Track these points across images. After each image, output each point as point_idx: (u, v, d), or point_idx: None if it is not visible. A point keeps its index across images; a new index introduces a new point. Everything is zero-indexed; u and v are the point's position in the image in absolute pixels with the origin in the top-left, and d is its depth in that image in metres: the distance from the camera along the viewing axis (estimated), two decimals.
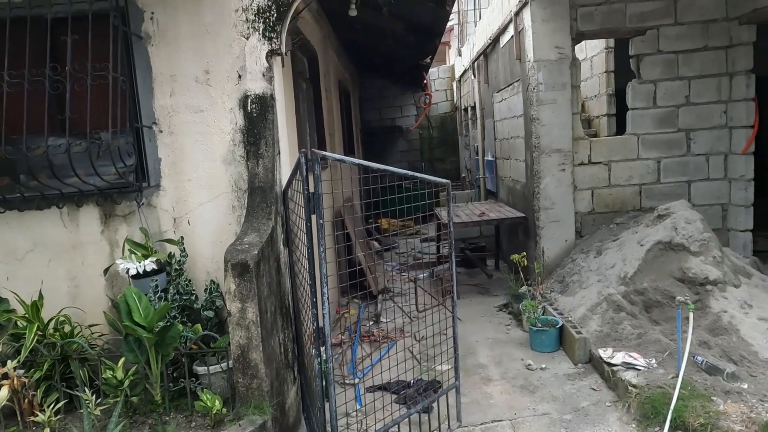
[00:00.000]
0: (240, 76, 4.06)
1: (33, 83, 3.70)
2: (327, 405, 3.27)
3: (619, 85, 7.66)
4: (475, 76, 10.87)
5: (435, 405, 4.24)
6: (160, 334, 3.29)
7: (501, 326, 6.32)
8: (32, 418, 3.36)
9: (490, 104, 9.63)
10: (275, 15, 4.01)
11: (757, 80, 6.47)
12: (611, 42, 7.79)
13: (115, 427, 2.94)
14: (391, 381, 4.66)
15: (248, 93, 4.06)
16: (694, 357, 4.37)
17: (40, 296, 3.78)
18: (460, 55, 13.17)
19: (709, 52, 6.52)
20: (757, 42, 6.40)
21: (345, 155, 9.77)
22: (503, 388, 4.82)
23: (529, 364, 5.19)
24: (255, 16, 4.02)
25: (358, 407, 4.53)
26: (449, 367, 4.88)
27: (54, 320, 3.78)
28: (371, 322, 6.70)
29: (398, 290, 7.87)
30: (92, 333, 3.91)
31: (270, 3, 4.00)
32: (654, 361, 4.52)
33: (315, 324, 3.10)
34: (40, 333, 3.59)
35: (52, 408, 3.33)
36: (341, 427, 3.85)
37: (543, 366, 5.14)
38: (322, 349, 3.10)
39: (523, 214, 7.36)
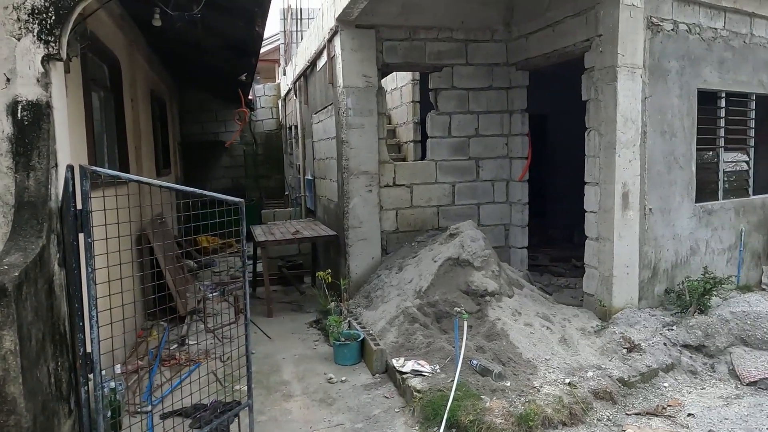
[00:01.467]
0: (9, 80, 3.67)
1: None
2: None
3: (423, 114, 8.37)
4: (296, 96, 11.07)
5: (233, 425, 4.19)
6: None
7: (310, 342, 6.45)
8: None
9: (310, 125, 9.87)
10: (54, 17, 3.71)
11: (531, 118, 7.54)
12: (417, 75, 8.51)
13: None
14: (189, 406, 4.51)
15: (18, 99, 3.68)
16: (470, 361, 4.90)
17: None
18: (284, 75, 13.31)
19: (493, 91, 7.46)
20: (530, 85, 7.47)
21: (158, 169, 9.26)
22: (303, 402, 4.92)
23: (331, 378, 5.37)
24: (29, 16, 3.68)
25: None
26: (252, 386, 4.87)
27: None
28: (175, 345, 6.40)
29: (212, 311, 7.62)
30: None
31: (48, 4, 3.70)
32: (438, 367, 4.97)
33: (83, 349, 2.90)
34: None
35: None
36: None
37: (343, 378, 5.35)
38: (90, 376, 2.91)
39: (334, 233, 7.63)
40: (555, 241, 10.28)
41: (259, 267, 8.51)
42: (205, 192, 3.55)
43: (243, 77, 9.03)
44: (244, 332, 3.99)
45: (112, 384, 4.59)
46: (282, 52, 14.03)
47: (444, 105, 7.34)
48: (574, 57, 6.24)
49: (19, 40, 3.69)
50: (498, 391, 4.58)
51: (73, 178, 2.81)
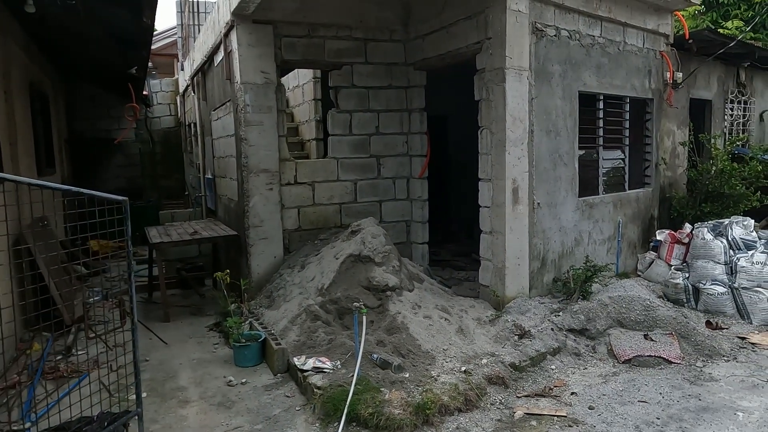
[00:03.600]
0: None
1: None
2: None
3: (326, 112, 8.35)
4: (195, 93, 10.66)
5: None
6: None
7: (209, 346, 6.25)
8: None
9: (209, 122, 9.55)
10: None
11: (432, 119, 7.76)
12: (318, 73, 8.48)
13: None
14: (72, 419, 4.21)
15: None
16: (371, 355, 4.96)
17: None
18: (183, 70, 12.78)
19: (393, 90, 7.59)
20: (431, 87, 7.69)
21: (39, 168, 8.55)
22: (200, 408, 4.76)
23: (230, 381, 5.24)
24: None
25: None
26: (146, 394, 4.65)
27: None
28: (60, 357, 5.95)
29: (102, 318, 7.16)
30: None
31: None
32: (339, 363, 4.99)
33: None
34: None
35: None
36: None
37: (244, 380, 5.24)
38: None
39: (235, 233, 7.44)
40: (456, 236, 10.64)
41: (156, 270, 8.10)
42: (82, 190, 3.33)
43: (134, 71, 8.56)
44: (131, 337, 3.79)
45: None
46: (180, 46, 13.44)
47: (344, 103, 7.38)
48: (467, 58, 6.49)
49: None
50: (397, 382, 4.68)
51: None
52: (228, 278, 5.86)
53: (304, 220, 7.25)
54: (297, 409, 4.66)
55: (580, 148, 6.95)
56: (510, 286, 6.16)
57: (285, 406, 4.72)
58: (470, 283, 7.86)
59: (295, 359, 5.14)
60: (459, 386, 4.67)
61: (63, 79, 12.18)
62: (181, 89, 13.47)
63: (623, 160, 7.89)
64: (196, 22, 11.24)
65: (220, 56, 7.89)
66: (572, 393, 4.88)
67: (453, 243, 10.31)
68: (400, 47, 7.58)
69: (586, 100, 7.05)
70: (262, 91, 6.78)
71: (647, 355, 5.46)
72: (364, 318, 4.80)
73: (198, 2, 11.61)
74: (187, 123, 13.17)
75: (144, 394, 4.66)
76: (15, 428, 4.34)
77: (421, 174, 7.66)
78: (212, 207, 9.93)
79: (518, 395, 4.84)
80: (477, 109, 6.34)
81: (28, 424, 4.40)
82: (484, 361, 5.14)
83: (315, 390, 4.61)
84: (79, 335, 6.49)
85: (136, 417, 3.87)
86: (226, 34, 7.11)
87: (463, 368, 4.97)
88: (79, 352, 6.02)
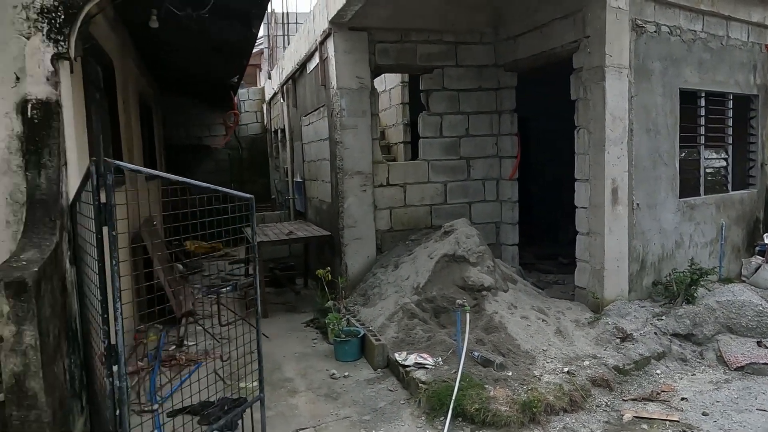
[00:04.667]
0: (18, 78, 3.70)
1: None
2: None
3: (413, 115, 8.51)
4: (284, 100, 11.11)
5: (240, 421, 4.24)
6: None
7: (308, 340, 6.50)
8: None
9: (299, 127, 9.93)
10: (63, 16, 3.75)
11: (526, 119, 7.74)
12: (406, 77, 8.65)
13: None
14: (195, 403, 4.53)
15: (29, 97, 3.71)
16: (471, 353, 5.02)
17: None
18: (270, 78, 13.34)
19: (482, 92, 7.63)
20: (519, 87, 7.67)
21: None
22: (308, 398, 4.98)
23: (333, 374, 5.44)
24: (38, 15, 3.71)
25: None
26: (255, 383, 4.91)
27: None
28: (173, 347, 6.39)
29: (205, 313, 7.61)
30: None
31: (57, 3, 3.73)
32: (440, 359, 5.08)
33: (107, 341, 2.94)
34: None
35: None
36: None
37: (346, 374, 5.43)
38: (115, 368, 2.95)
39: (328, 233, 7.70)
40: (539, 239, 10.49)
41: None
42: (218, 188, 3.61)
43: (234, 80, 9.05)
44: (255, 327, 4.04)
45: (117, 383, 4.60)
46: (266, 56, 14.05)
47: (435, 106, 7.49)
48: (562, 58, 6.44)
49: (28, 38, 3.72)
50: (500, 380, 4.71)
51: (97, 173, 2.85)
52: (329, 276, 6.08)
53: (395, 221, 7.40)
54: (401, 402, 4.78)
55: (680, 147, 6.71)
56: (609, 288, 6.03)
57: (389, 399, 4.86)
58: (560, 286, 7.76)
59: (396, 355, 5.27)
60: (563, 386, 4.63)
61: (160, 89, 13.02)
62: (268, 97, 14.06)
63: (726, 159, 7.53)
64: (285, 33, 11.72)
65: (313, 63, 8.21)
66: (682, 398, 4.72)
67: (535, 246, 10.17)
68: (490, 49, 7.60)
69: (687, 98, 6.80)
70: (357, 95, 7.01)
71: (762, 363, 5.20)
72: (467, 316, 4.86)
73: (286, 14, 12.11)
74: (273, 129, 13.73)
75: (254, 383, 4.93)
76: (146, 409, 4.71)
77: (512, 175, 7.64)
78: (301, 209, 10.30)
79: (624, 398, 4.75)
80: (561, 109, 6.27)
81: (155, 406, 4.78)
82: (587, 362, 5.08)
83: (419, 385, 4.72)
84: (188, 328, 6.93)
85: (258, 402, 4.11)
86: (322, 42, 7.40)
87: (565, 369, 4.93)
88: (190, 344, 6.44)
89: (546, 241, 10.41)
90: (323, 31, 7.21)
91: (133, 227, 6.92)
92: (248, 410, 4.24)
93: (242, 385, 4.95)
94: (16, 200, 3.73)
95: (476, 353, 5.02)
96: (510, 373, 4.83)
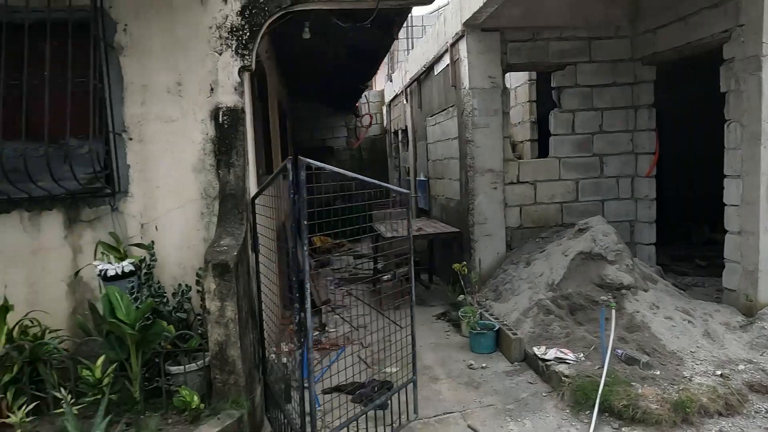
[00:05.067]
0: (212, 89, 4.27)
1: (7, 89, 3.75)
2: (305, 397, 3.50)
3: (540, 113, 8.47)
4: (407, 101, 11.48)
5: (389, 402, 4.56)
6: (143, 332, 3.39)
7: (441, 332, 6.75)
8: (2, 420, 3.33)
9: (423, 127, 10.23)
10: (248, 33, 4.27)
11: (658, 114, 7.46)
12: (533, 75, 8.63)
13: (102, 421, 3.02)
14: (345, 383, 4.92)
15: (220, 105, 4.27)
16: (615, 350, 4.98)
17: (6, 301, 3.74)
18: (390, 81, 13.80)
19: (617, 87, 7.45)
20: (657, 81, 7.39)
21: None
22: (450, 385, 5.22)
23: (471, 364, 5.64)
24: (228, 33, 4.26)
25: (318, 407, 4.74)
26: (397, 369, 5.23)
27: (18, 324, 3.75)
28: (316, 333, 6.91)
29: (339, 302, 8.13)
30: (55, 337, 3.89)
31: (243, 22, 4.26)
32: (582, 355, 5.10)
33: (298, 317, 3.35)
34: (6, 336, 3.56)
35: (24, 410, 3.32)
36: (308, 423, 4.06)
37: (484, 365, 5.60)
38: (303, 341, 3.35)
39: (457, 229, 7.90)
40: (671, 240, 9.96)
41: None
42: (381, 183, 3.94)
43: (367, 84, 9.53)
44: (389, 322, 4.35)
45: (284, 360, 5.13)
46: (386, 59, 14.54)
47: (567, 103, 7.43)
48: (710, 49, 6.15)
49: (220, 54, 4.27)
50: (648, 379, 4.64)
51: (294, 169, 3.26)
52: (465, 270, 6.28)
53: (525, 218, 7.45)
54: (543, 395, 4.87)
55: None
56: (764, 290, 5.67)
57: (530, 391, 4.96)
58: (701, 288, 7.39)
59: (535, 349, 5.36)
60: (717, 389, 4.48)
61: (290, 96, 13.94)
62: (387, 99, 14.54)
63: None
64: (409, 36, 12.09)
65: (442, 65, 8.45)
66: None
67: (668, 246, 9.68)
68: (626, 43, 7.40)
69: None
70: (488, 95, 7.14)
71: None
72: (613, 312, 4.84)
73: (411, 17, 12.46)
74: (393, 130, 14.18)
75: (396, 369, 5.25)
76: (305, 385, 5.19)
77: (649, 172, 7.39)
78: (424, 207, 10.59)
79: None
80: (695, 102, 5.95)
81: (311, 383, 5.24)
82: (741, 367, 4.85)
83: (562, 378, 4.78)
84: (327, 316, 7.47)
85: (412, 384, 4.41)
86: (453, 44, 7.62)
87: (717, 372, 4.75)
88: (330, 330, 6.94)
89: (679, 241, 9.89)
90: (455, 34, 7.42)
91: (279, 221, 7.56)
92: (397, 392, 4.55)
93: (387, 369, 5.32)
94: (209, 195, 4.31)
95: (620, 351, 4.98)
96: (657, 373, 4.75)
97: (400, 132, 13.19)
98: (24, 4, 3.73)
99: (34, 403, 3.49)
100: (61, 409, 3.41)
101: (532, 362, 5.42)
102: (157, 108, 4.23)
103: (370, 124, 12.79)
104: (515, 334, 5.71)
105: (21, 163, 3.65)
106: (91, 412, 3.35)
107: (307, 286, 3.25)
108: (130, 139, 4.23)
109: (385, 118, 15.36)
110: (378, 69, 9.20)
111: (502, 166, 7.27)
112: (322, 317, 7.32)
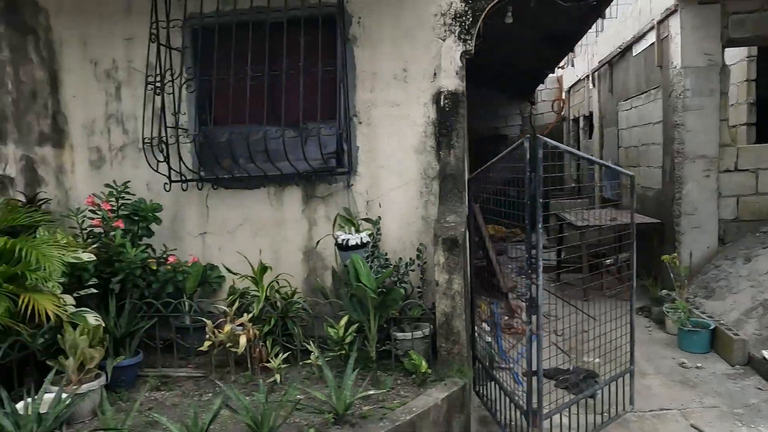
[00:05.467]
0: (435, 74, 4.48)
1: (254, 79, 4.30)
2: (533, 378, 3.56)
3: (758, 94, 7.55)
4: (594, 86, 10.92)
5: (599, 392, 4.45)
6: (382, 296, 3.72)
7: (641, 327, 6.36)
8: (262, 364, 3.87)
9: (614, 113, 9.66)
10: (470, 19, 4.40)
11: None
12: (753, 51, 7.70)
13: (352, 373, 3.38)
14: (549, 368, 4.89)
15: (442, 89, 4.47)
16: None
17: (261, 264, 4.33)
18: (572, 66, 13.22)
19: None
20: None
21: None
22: (661, 382, 4.94)
23: (683, 362, 5.26)
24: (452, 20, 4.43)
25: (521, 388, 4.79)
26: (597, 359, 5.07)
27: (270, 285, 4.31)
28: (505, 318, 6.94)
29: (522, 291, 8.06)
30: (300, 297, 4.41)
31: (467, 8, 4.40)
32: None
33: (529, 293, 3.42)
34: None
35: (280, 357, 3.83)
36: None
37: (698, 365, 5.20)
38: (534, 318, 3.41)
39: (657, 220, 7.37)
40: None
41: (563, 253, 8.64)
42: (606, 163, 3.85)
43: (561, 67, 9.24)
44: (628, 300, 4.19)
45: (488, 339, 5.26)
46: None
47: None
48: None
49: (443, 41, 4.45)
50: None
51: (532, 149, 3.32)
52: (677, 262, 5.87)
53: (743, 210, 6.71)
54: None
55: None
56: None
57: (761, 397, 4.51)
58: None
59: (764, 352, 4.85)
60: None
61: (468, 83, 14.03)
62: (567, 85, 13.95)
63: None
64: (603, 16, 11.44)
65: (643, 45, 7.90)
66: None
67: None
68: None
69: None
70: (704, 74, 6.54)
71: None
72: None
73: None
74: (573, 117, 13.59)
75: (597, 359, 5.07)
76: (502, 366, 5.27)
77: None
78: (610, 196, 10.02)
79: None
80: None
81: (511, 365, 5.30)
82: None
83: None
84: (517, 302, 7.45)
85: (628, 374, 4.26)
86: (661, 21, 7.08)
87: None
88: (516, 317, 6.92)
89: None
90: (665, 9, 6.89)
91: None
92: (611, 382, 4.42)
93: (585, 359, 5.18)
94: (428, 175, 4.55)
95: None
96: None
97: (581, 119, 12.60)
98: (282, 4, 4.25)
99: (286, 353, 3.99)
100: (309, 360, 3.88)
101: (759, 366, 4.91)
102: (384, 93, 4.55)
103: (561, 108, 12.44)
104: (737, 334, 5.21)
105: (277, 145, 4.18)
106: (331, 365, 3.73)
107: (540, 264, 3.30)
108: (360, 122, 4.60)
109: (564, 104, 14.75)
110: (569, 52, 8.85)
111: (717, 152, 6.62)
112: (509, 303, 7.32)
